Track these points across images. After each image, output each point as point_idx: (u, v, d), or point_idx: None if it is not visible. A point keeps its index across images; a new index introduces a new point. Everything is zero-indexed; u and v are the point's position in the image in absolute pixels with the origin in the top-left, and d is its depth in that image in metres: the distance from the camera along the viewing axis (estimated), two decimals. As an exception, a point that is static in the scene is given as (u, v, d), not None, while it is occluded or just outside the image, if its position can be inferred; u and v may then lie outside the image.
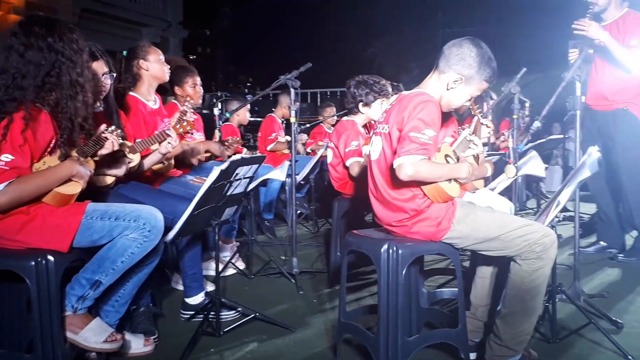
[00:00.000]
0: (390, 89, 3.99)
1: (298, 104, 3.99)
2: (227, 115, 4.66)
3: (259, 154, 5.21)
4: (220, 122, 4.41)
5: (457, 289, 2.62)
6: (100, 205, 2.42)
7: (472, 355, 2.58)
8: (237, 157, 2.77)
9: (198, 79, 4.40)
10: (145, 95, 3.59)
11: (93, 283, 2.37)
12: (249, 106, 5.89)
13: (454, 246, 2.47)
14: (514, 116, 3.84)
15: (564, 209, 6.01)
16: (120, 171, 2.82)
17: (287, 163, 3.96)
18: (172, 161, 3.57)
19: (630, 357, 2.59)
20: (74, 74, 2.38)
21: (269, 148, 6.34)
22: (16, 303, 2.43)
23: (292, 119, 3.95)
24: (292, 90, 3.88)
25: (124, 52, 3.59)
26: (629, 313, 3.26)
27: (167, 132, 3.11)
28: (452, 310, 3.06)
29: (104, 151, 2.55)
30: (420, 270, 3.02)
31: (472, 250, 2.61)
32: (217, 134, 4.25)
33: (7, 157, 2.16)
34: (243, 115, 5.94)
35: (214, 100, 6.51)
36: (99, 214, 2.36)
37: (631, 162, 4.28)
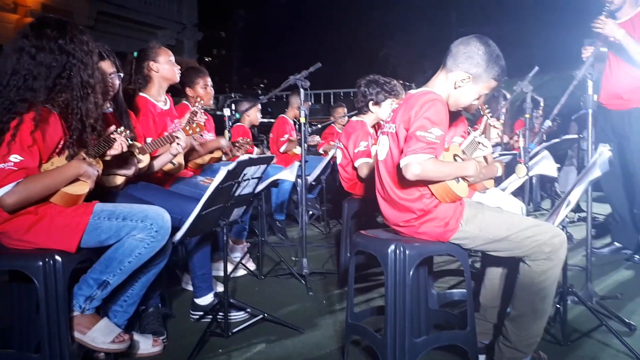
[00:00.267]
0: (401, 90, 3.97)
1: (309, 104, 4.01)
2: (237, 116, 4.67)
3: (267, 155, 5.21)
4: (230, 123, 4.41)
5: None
6: (108, 205, 2.43)
7: (482, 358, 2.55)
8: (245, 157, 2.77)
9: (209, 80, 4.41)
10: (156, 96, 3.61)
11: (100, 283, 2.38)
12: (259, 106, 5.89)
13: (462, 247, 2.45)
14: (526, 115, 3.79)
15: (578, 210, 6.01)
16: (130, 171, 2.84)
17: (296, 163, 3.95)
18: (183, 162, 3.58)
19: (642, 360, 2.55)
20: (84, 75, 2.39)
21: (281, 149, 6.34)
22: (26, 304, 2.44)
23: (302, 119, 3.94)
24: (301, 90, 3.88)
25: (135, 54, 3.61)
26: (642, 315, 3.21)
27: (177, 133, 3.12)
28: (462, 312, 3.02)
29: (112, 152, 2.57)
30: (430, 271, 3.00)
31: (481, 251, 2.58)
32: (226, 134, 4.26)
33: (16, 158, 2.18)
34: (254, 115, 5.94)
35: (228, 102, 6.53)
36: (107, 214, 2.36)
37: (646, 162, 4.22)
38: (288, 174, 3.96)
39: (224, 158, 4.35)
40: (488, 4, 20.68)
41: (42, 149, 2.28)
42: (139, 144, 3.00)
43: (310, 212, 6.19)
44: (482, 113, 2.92)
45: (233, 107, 5.99)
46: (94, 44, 2.47)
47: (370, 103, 3.89)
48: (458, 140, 2.69)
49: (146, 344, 2.71)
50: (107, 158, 2.59)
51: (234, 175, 2.73)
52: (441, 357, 2.63)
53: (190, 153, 3.83)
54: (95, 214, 2.35)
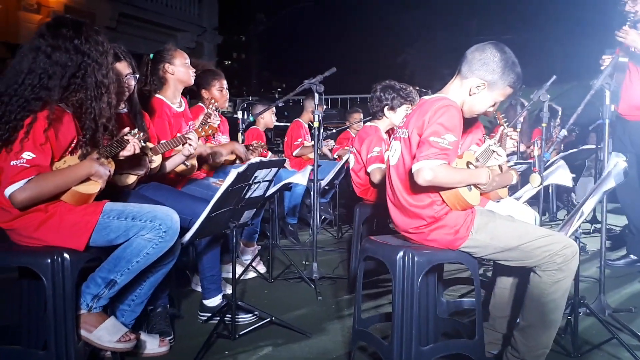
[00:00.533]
0: (416, 96, 3.94)
1: (323, 107, 3.98)
2: (251, 118, 4.67)
3: (278, 158, 5.20)
4: (244, 126, 4.41)
5: (478, 299, 2.56)
6: (118, 204, 2.44)
7: (490, 368, 2.52)
8: (256, 159, 2.76)
9: (225, 83, 4.42)
10: (171, 98, 3.62)
11: (108, 282, 2.39)
12: (274, 109, 5.89)
13: (472, 255, 2.42)
14: (543, 124, 3.76)
15: (594, 221, 5.92)
16: (141, 172, 2.86)
17: (309, 167, 3.95)
18: (196, 164, 3.59)
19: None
20: (99, 75, 2.41)
21: (294, 153, 6.34)
22: (35, 301, 2.45)
23: (315, 124, 3.93)
24: (315, 94, 3.87)
25: (151, 55, 3.63)
26: (656, 329, 3.15)
27: (189, 135, 3.13)
28: (471, 321, 2.99)
29: (125, 153, 2.58)
30: (440, 278, 2.96)
31: (491, 260, 2.55)
32: (239, 137, 4.26)
33: (28, 155, 2.20)
34: (269, 118, 5.93)
35: (245, 105, 6.56)
36: (116, 214, 2.37)
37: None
38: (300, 178, 3.95)
39: (237, 161, 4.36)
40: (509, 13, 20.55)
41: (54, 148, 2.30)
42: (151, 145, 3.02)
43: (323, 217, 6.17)
44: (498, 122, 2.89)
45: (248, 109, 5.99)
46: (109, 44, 2.48)
47: (386, 108, 3.86)
48: (474, 148, 2.66)
49: (153, 344, 2.71)
50: (120, 158, 2.60)
51: (244, 178, 2.73)
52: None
53: (204, 155, 3.84)
54: (104, 213, 2.36)
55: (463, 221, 2.35)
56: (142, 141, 2.65)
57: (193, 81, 3.74)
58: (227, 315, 2.94)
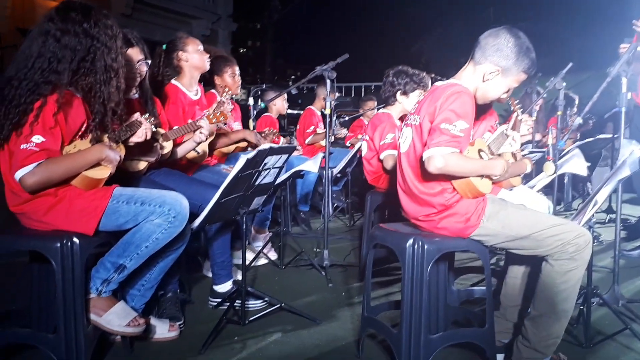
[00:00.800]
0: (429, 82, 3.90)
1: (336, 94, 3.95)
2: (262, 105, 4.65)
3: (288, 144, 5.18)
4: (255, 113, 4.39)
5: (490, 288, 2.54)
6: (127, 189, 2.44)
7: (500, 357, 2.50)
8: (266, 146, 2.75)
9: (237, 69, 4.40)
10: (187, 86, 3.62)
11: (117, 267, 2.40)
12: (285, 96, 5.86)
13: (483, 243, 2.39)
14: (558, 112, 3.71)
15: (610, 211, 5.85)
16: (152, 157, 2.86)
17: (320, 155, 3.92)
18: (207, 150, 3.58)
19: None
20: (108, 59, 2.40)
21: (307, 141, 6.31)
22: (45, 285, 2.47)
23: (327, 110, 3.90)
24: (327, 81, 3.84)
25: (164, 46, 3.62)
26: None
27: (200, 122, 3.12)
28: (482, 310, 2.96)
29: (135, 139, 2.57)
30: (451, 267, 2.94)
31: (503, 249, 2.52)
32: (250, 124, 4.25)
33: (38, 139, 2.20)
34: (280, 105, 5.90)
35: (259, 92, 6.53)
36: (125, 199, 2.37)
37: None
38: (311, 165, 3.93)
39: (249, 148, 4.35)
40: (526, 1, 20.26)
41: (64, 131, 2.30)
42: (162, 130, 3.01)
43: (335, 204, 6.15)
44: (512, 109, 2.84)
45: (259, 94, 5.96)
46: (118, 28, 2.47)
47: (398, 93, 3.82)
48: (487, 136, 2.62)
49: (162, 329, 2.72)
50: (131, 144, 2.60)
51: (254, 164, 2.72)
52: (459, 355, 2.59)
53: (215, 141, 3.83)
54: (114, 198, 2.36)
55: (474, 209, 2.32)
56: (153, 127, 2.65)
57: (208, 67, 3.72)
58: (237, 301, 2.95)
